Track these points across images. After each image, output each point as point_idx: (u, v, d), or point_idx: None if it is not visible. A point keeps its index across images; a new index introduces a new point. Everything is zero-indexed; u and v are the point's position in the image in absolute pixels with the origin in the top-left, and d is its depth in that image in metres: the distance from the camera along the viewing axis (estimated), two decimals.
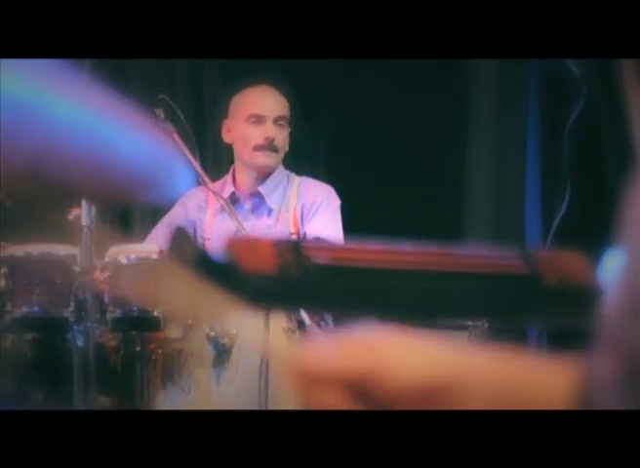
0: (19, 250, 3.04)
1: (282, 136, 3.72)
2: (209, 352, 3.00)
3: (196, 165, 3.37)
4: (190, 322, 2.95)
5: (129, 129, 1.04)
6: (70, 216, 2.96)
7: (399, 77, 4.29)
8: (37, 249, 3.04)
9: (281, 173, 3.77)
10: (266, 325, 2.69)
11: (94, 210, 2.94)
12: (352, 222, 3.66)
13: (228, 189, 3.75)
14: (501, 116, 4.58)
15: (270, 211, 3.72)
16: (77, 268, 2.98)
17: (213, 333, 2.98)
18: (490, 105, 4.59)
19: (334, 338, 0.84)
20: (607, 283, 1.01)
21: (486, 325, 3.24)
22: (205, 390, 2.98)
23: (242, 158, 3.75)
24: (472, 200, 4.59)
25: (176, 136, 3.37)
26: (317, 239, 3.16)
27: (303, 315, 3.04)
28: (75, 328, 2.95)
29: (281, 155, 3.75)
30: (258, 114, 3.69)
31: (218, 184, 3.73)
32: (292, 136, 3.77)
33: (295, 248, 1.27)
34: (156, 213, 3.90)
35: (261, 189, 3.73)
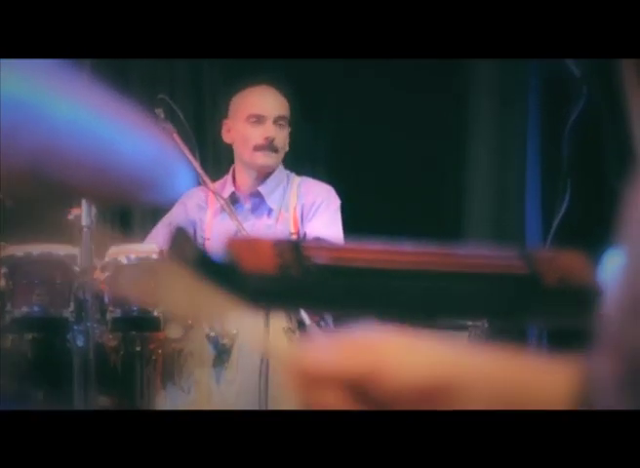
0: (19, 250, 3.04)
1: (282, 136, 3.72)
2: (209, 352, 3.00)
3: (196, 165, 3.36)
4: (190, 322, 2.95)
5: (129, 129, 1.04)
6: (70, 216, 2.96)
7: (399, 77, 4.29)
8: (37, 249, 3.04)
9: (281, 173, 3.77)
10: (266, 325, 2.69)
11: (94, 210, 2.94)
12: (352, 222, 3.66)
13: (228, 189, 3.74)
14: (501, 116, 4.57)
15: (270, 211, 3.72)
16: (77, 268, 2.98)
17: (213, 333, 2.98)
18: (490, 105, 4.59)
19: (334, 338, 0.84)
20: (607, 283, 1.01)
21: (486, 325, 3.23)
22: (205, 390, 2.98)
23: (242, 158, 3.75)
24: (472, 200, 4.59)
25: (176, 135, 3.37)
26: (317, 239, 3.16)
27: (303, 315, 3.04)
28: (75, 328, 2.95)
29: (281, 155, 3.75)
30: (257, 114, 3.69)
31: (218, 184, 3.73)
32: (292, 135, 3.77)
33: (295, 248, 1.27)
34: (156, 213, 3.90)
35: (261, 189, 3.73)
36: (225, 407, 2.91)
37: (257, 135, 3.67)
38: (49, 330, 2.98)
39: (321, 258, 1.27)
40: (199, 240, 3.65)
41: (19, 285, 3.01)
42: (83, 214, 2.93)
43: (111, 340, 3.00)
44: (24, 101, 0.93)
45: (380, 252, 1.33)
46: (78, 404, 2.82)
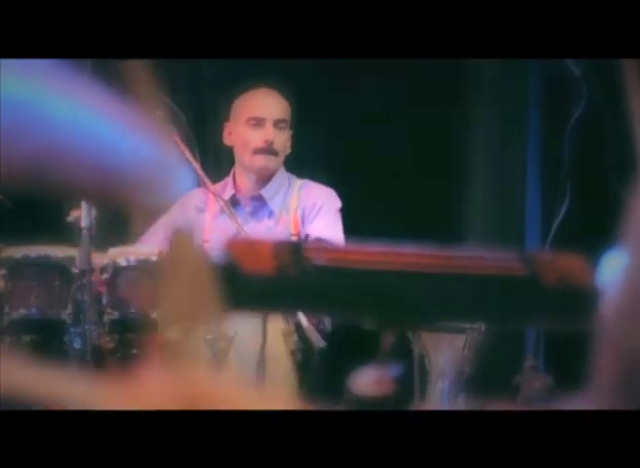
0: (17, 251, 3.03)
1: (282, 139, 3.71)
2: (206, 354, 2.99)
3: (197, 166, 3.36)
4: (188, 324, 2.95)
5: (129, 129, 1.04)
6: (69, 218, 2.96)
7: (399, 79, 4.28)
8: (35, 250, 3.04)
9: (282, 175, 3.76)
10: (264, 327, 2.69)
11: (93, 211, 2.94)
12: (353, 225, 3.66)
13: (229, 191, 3.74)
14: (501, 116, 4.57)
15: (271, 213, 3.71)
16: (76, 270, 2.97)
17: (210, 336, 2.97)
18: (490, 106, 4.58)
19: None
20: (606, 284, 1.01)
21: (483, 328, 3.23)
22: None
23: (242, 161, 3.74)
24: (472, 200, 4.59)
25: (176, 137, 3.36)
26: (317, 240, 3.16)
27: (301, 317, 3.03)
28: (72, 330, 2.94)
29: (281, 158, 3.74)
30: (257, 117, 3.69)
31: (218, 186, 3.72)
32: (293, 138, 3.77)
33: (294, 249, 1.27)
34: (156, 214, 3.89)
35: (264, 192, 3.71)
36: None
37: (256, 138, 3.67)
38: (46, 332, 2.98)
39: (321, 260, 1.27)
40: (198, 242, 3.64)
41: (17, 287, 3.00)
42: (82, 215, 2.93)
43: (109, 343, 2.99)
44: (24, 101, 0.93)
45: (379, 254, 1.33)
46: None
